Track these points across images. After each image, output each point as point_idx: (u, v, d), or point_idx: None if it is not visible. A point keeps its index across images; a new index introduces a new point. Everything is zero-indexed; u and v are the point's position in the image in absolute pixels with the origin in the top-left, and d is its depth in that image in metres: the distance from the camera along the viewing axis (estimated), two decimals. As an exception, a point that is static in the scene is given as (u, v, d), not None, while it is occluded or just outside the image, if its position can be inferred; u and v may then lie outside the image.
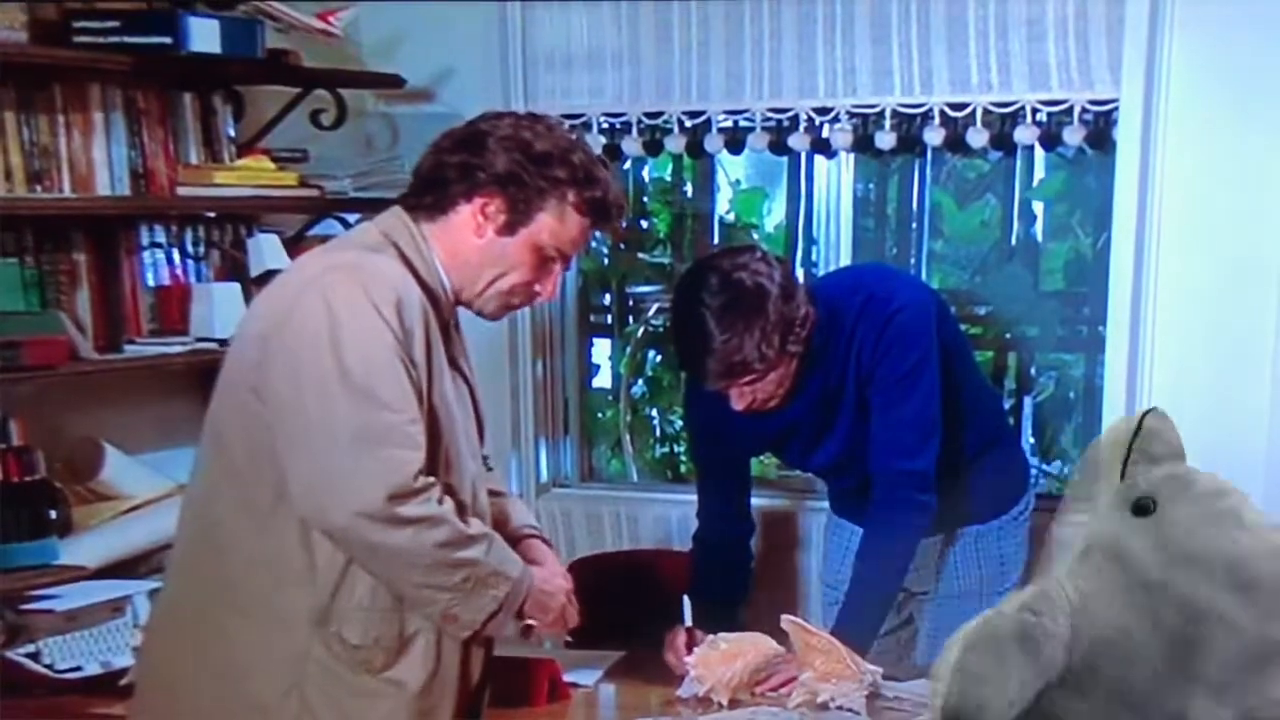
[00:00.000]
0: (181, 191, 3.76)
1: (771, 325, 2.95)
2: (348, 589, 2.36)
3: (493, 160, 2.40)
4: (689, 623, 3.13)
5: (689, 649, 3.03)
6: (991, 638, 1.69)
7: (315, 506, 2.29)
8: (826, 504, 3.68)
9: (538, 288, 2.51)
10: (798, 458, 3.43)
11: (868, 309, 3.10)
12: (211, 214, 3.89)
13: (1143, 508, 1.72)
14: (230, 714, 2.41)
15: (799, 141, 4.01)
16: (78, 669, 3.13)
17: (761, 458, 3.85)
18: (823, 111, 3.97)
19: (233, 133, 3.99)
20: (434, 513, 2.31)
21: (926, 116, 3.87)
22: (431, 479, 2.33)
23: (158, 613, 2.68)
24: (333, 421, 2.26)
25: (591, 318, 4.78)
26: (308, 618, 2.37)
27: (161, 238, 3.78)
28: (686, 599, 3.16)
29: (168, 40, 3.53)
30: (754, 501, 3.49)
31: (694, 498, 3.53)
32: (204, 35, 3.59)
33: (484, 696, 2.62)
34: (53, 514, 3.43)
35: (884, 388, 3.09)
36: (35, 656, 3.22)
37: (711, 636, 3.00)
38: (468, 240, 2.43)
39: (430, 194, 2.46)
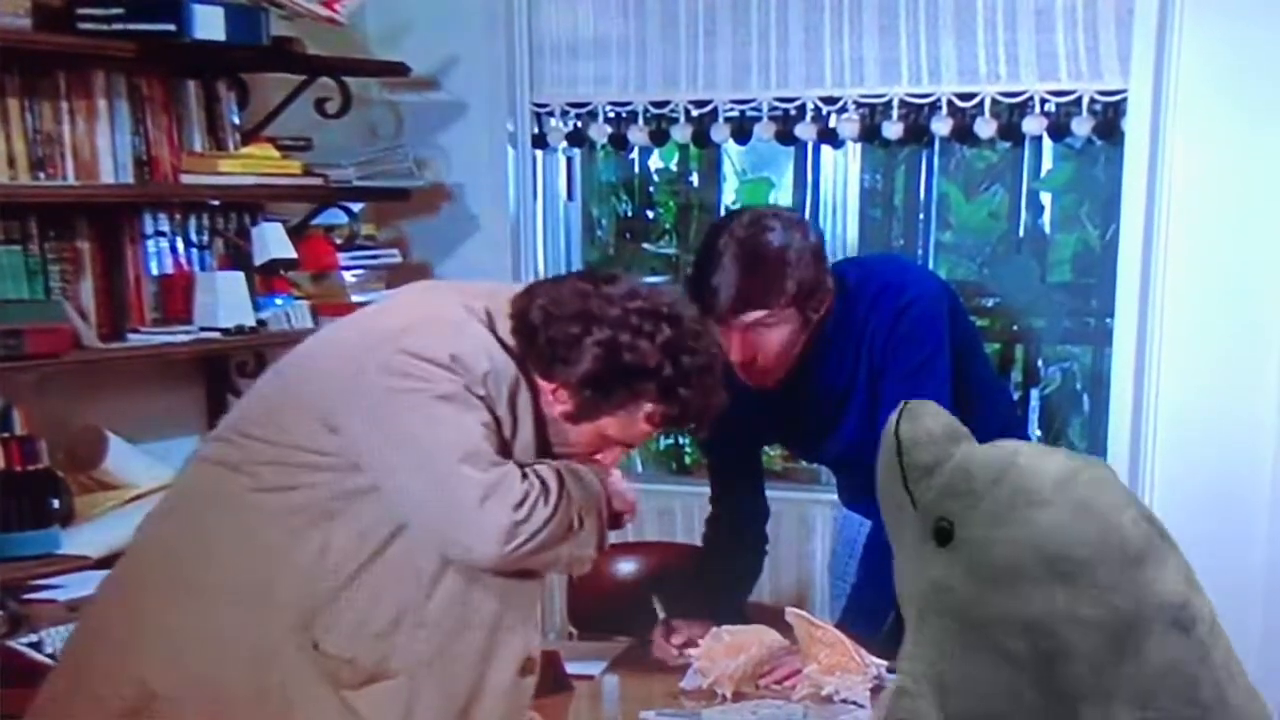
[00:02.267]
0: (185, 179, 3.75)
1: (796, 268, 2.92)
2: (347, 601, 2.31)
3: (580, 359, 2.29)
4: (663, 615, 3.12)
5: (669, 639, 3.04)
6: None
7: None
8: (832, 496, 3.67)
9: (599, 457, 2.44)
10: (807, 448, 3.41)
11: (881, 299, 3.08)
12: (216, 202, 3.88)
13: (941, 532, 1.54)
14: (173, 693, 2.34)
15: (806, 131, 4.00)
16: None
17: (768, 449, 3.83)
18: (830, 101, 3.96)
19: (237, 120, 3.98)
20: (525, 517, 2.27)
21: (934, 106, 3.86)
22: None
23: (103, 585, 2.59)
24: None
25: (597, 308, 4.76)
26: (292, 616, 2.31)
27: (165, 226, 3.77)
28: (654, 597, 3.15)
29: (172, 27, 3.53)
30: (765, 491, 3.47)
31: (699, 489, 3.52)
32: (208, 22, 3.58)
33: None
34: (55, 503, 3.42)
35: (896, 379, 3.07)
36: (38, 646, 3.21)
37: (715, 629, 2.99)
38: (544, 401, 2.36)
39: (524, 341, 2.35)
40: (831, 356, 3.08)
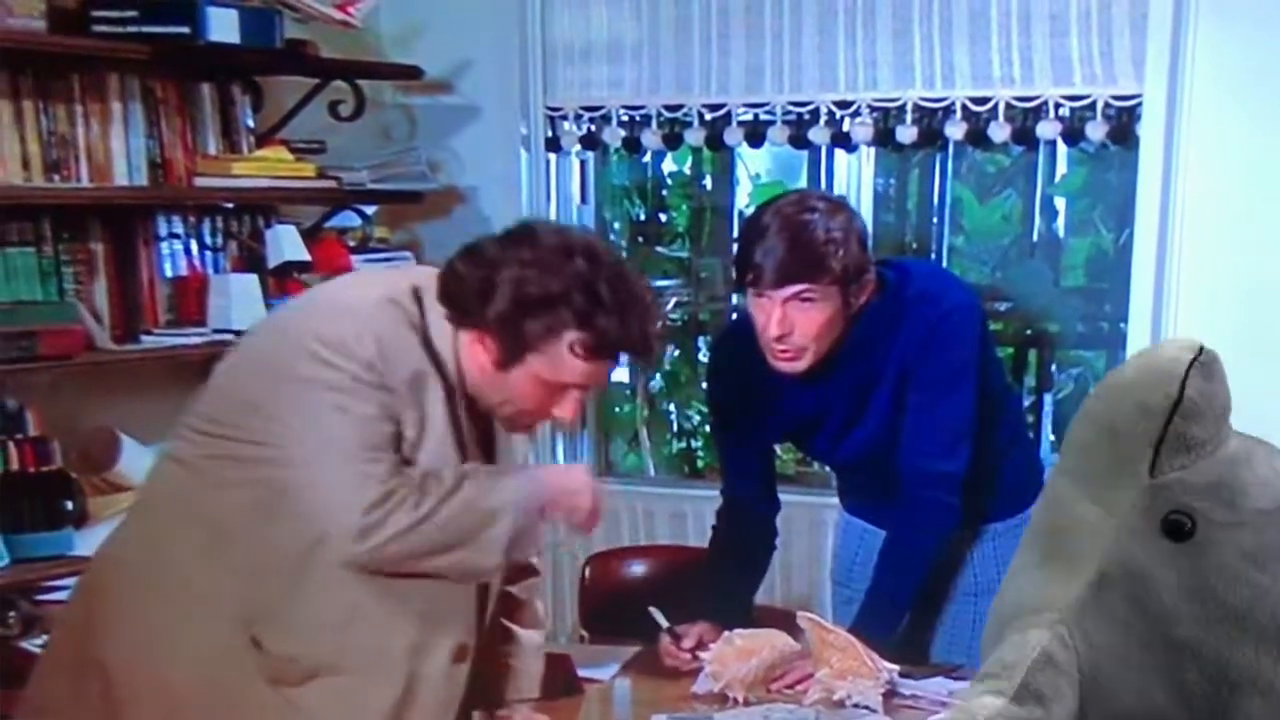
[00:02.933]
0: (199, 182, 3.76)
1: (842, 247, 2.90)
2: (288, 599, 2.33)
3: (492, 299, 2.31)
4: (665, 625, 3.11)
5: (678, 645, 3.04)
6: None
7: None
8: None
9: (555, 412, 2.42)
10: (823, 448, 3.39)
11: (918, 305, 3.05)
12: (229, 204, 3.88)
13: (1176, 527, 1.33)
14: (134, 678, 2.38)
15: (819, 135, 4.00)
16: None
17: (780, 452, 3.83)
18: (843, 105, 3.96)
19: (251, 123, 3.98)
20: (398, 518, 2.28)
21: (948, 110, 3.86)
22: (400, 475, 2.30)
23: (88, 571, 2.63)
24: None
25: (610, 311, 4.76)
26: (235, 615, 2.33)
27: (179, 228, 3.78)
28: (652, 609, 3.14)
29: (186, 30, 3.54)
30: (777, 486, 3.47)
31: (711, 493, 3.51)
32: (223, 25, 3.58)
33: None
34: (69, 504, 3.43)
35: (925, 386, 3.05)
36: (50, 647, 3.22)
37: (728, 633, 2.99)
38: (472, 367, 2.37)
39: (447, 303, 2.38)
40: (860, 354, 3.06)
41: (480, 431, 2.48)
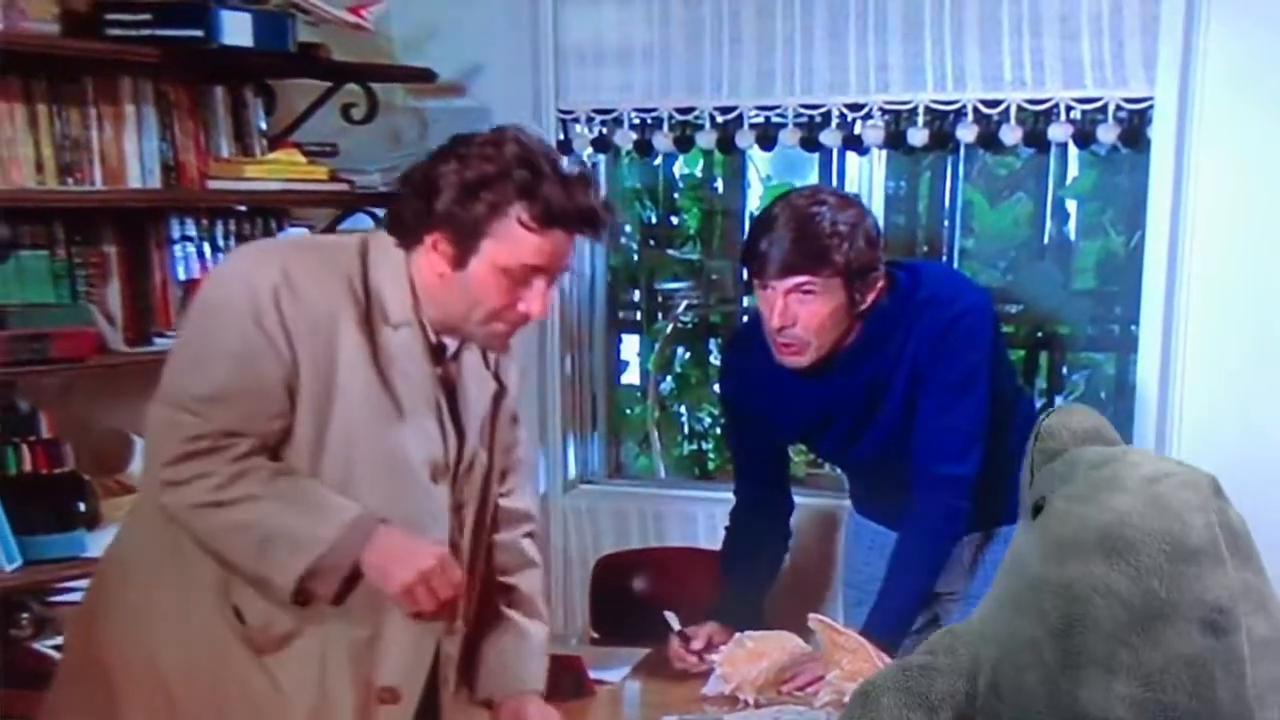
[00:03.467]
0: (212, 185, 3.76)
1: (847, 241, 2.92)
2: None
3: (437, 195, 2.33)
4: (677, 628, 3.12)
5: (687, 647, 3.05)
6: (865, 697, 1.67)
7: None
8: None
9: (522, 307, 2.40)
10: (834, 450, 3.40)
11: (930, 307, 3.06)
12: (242, 207, 3.89)
13: (1038, 509, 1.65)
14: (125, 661, 2.42)
15: (830, 138, 4.00)
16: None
17: (792, 454, 3.83)
18: (855, 108, 3.96)
19: (263, 126, 3.99)
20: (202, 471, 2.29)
21: (959, 113, 3.85)
22: (233, 440, 2.30)
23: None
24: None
25: (620, 314, 4.77)
26: (211, 586, 2.37)
27: (192, 230, 3.78)
28: (666, 614, 3.15)
29: (199, 33, 3.54)
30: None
31: (722, 495, 3.53)
32: (235, 28, 3.59)
33: None
34: (81, 506, 3.44)
35: (937, 390, 3.05)
36: (62, 649, 3.23)
37: (738, 634, 2.99)
38: (433, 282, 2.38)
39: (395, 227, 2.42)
40: (871, 355, 3.06)
41: (451, 405, 2.48)
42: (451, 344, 2.47)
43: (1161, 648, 1.50)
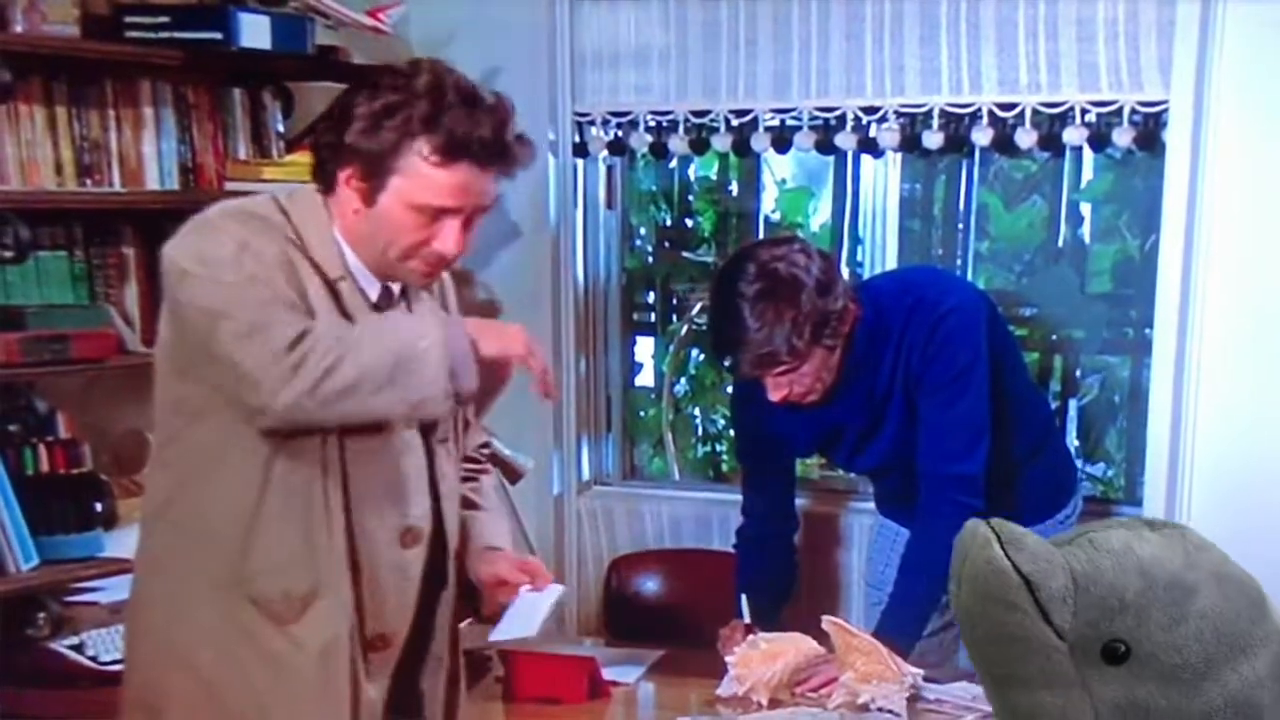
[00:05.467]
0: (230, 187, 3.77)
1: (804, 316, 2.95)
2: (260, 537, 2.36)
3: (344, 133, 2.31)
4: (747, 619, 3.14)
5: (730, 644, 3.06)
6: None
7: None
8: (869, 504, 3.68)
9: (437, 245, 2.34)
10: (845, 459, 3.42)
11: (917, 311, 3.09)
12: (259, 209, 3.90)
13: (1112, 653, 1.43)
14: (156, 668, 2.44)
15: (846, 141, 4.00)
16: (122, 661, 3.15)
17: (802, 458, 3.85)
18: (870, 111, 3.96)
19: (281, 128, 4.01)
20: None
21: (975, 116, 3.86)
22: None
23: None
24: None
25: (635, 316, 4.78)
26: (222, 573, 2.37)
27: (209, 232, 3.80)
28: (744, 596, 3.17)
29: (218, 36, 3.56)
30: (796, 502, 3.49)
31: (735, 497, 3.54)
32: (254, 31, 3.61)
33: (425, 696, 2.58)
34: (98, 506, 3.46)
35: (933, 391, 3.08)
36: (79, 648, 3.25)
37: (752, 636, 3.00)
38: (349, 219, 2.35)
39: (317, 172, 2.40)
40: (866, 369, 3.10)
41: None
42: (395, 286, 2.46)
43: None
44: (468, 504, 2.67)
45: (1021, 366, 3.46)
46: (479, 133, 2.30)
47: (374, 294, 2.42)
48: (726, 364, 3.13)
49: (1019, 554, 1.44)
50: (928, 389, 3.09)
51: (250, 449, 2.32)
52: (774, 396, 3.05)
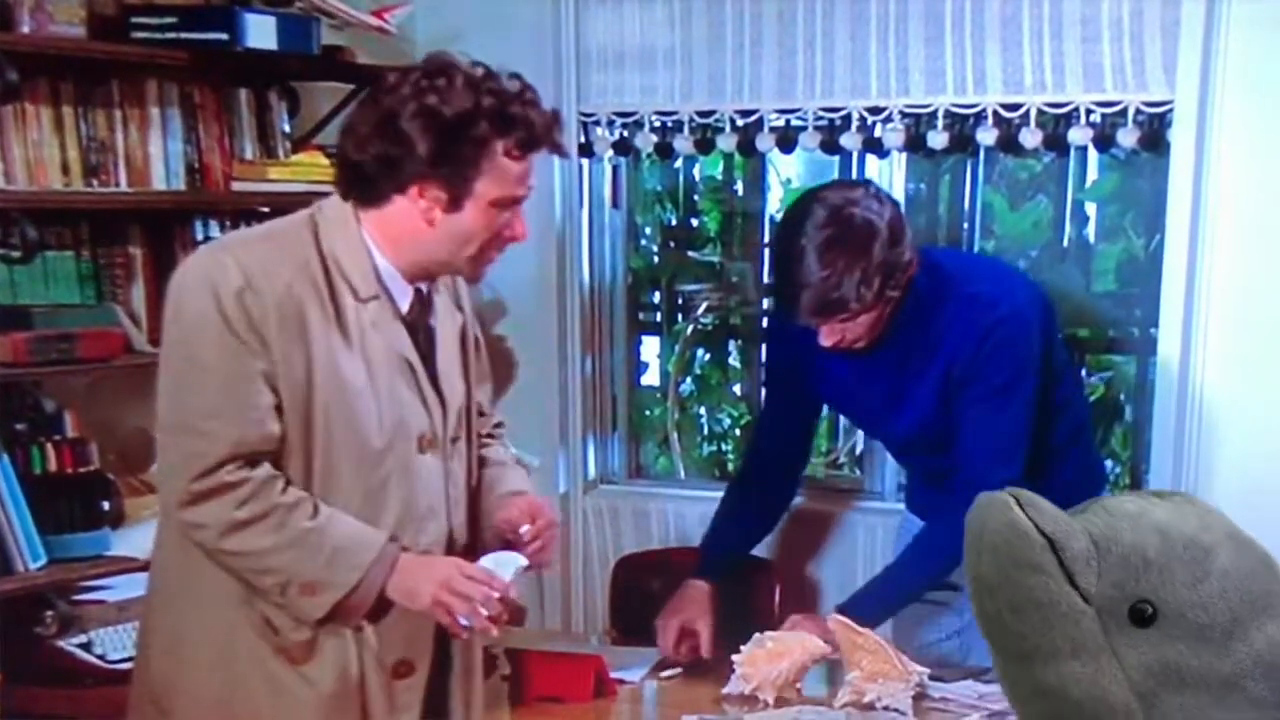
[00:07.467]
0: (236, 186, 3.79)
1: (874, 267, 2.90)
2: None
3: (412, 145, 2.29)
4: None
5: (679, 643, 3.09)
6: None
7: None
8: (875, 504, 3.68)
9: (508, 234, 2.42)
10: (868, 421, 3.39)
11: (973, 306, 3.03)
12: (266, 209, 3.90)
13: (1139, 615, 1.41)
14: (171, 683, 2.46)
15: (851, 141, 4.01)
16: (129, 660, 3.17)
17: (813, 458, 3.84)
18: (875, 111, 3.96)
19: (287, 128, 4.02)
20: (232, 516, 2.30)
21: (979, 116, 3.86)
22: (247, 473, 2.30)
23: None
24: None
25: (640, 315, 4.78)
26: (236, 597, 2.38)
27: (216, 232, 3.79)
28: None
29: (224, 36, 3.56)
30: (799, 501, 3.48)
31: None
32: (260, 31, 3.61)
33: None
34: (105, 505, 3.46)
35: (977, 400, 3.02)
36: (87, 647, 3.26)
37: (758, 635, 3.01)
38: (418, 229, 2.36)
39: (358, 188, 2.38)
40: (909, 336, 3.05)
41: (429, 369, 2.48)
42: (424, 287, 2.48)
43: None
44: (485, 462, 2.68)
45: (1069, 366, 3.42)
46: (544, 118, 2.37)
47: (405, 304, 2.43)
48: (786, 310, 3.02)
49: (1040, 515, 1.43)
50: (971, 396, 3.03)
51: (276, 518, 2.35)
52: (826, 341, 2.98)
